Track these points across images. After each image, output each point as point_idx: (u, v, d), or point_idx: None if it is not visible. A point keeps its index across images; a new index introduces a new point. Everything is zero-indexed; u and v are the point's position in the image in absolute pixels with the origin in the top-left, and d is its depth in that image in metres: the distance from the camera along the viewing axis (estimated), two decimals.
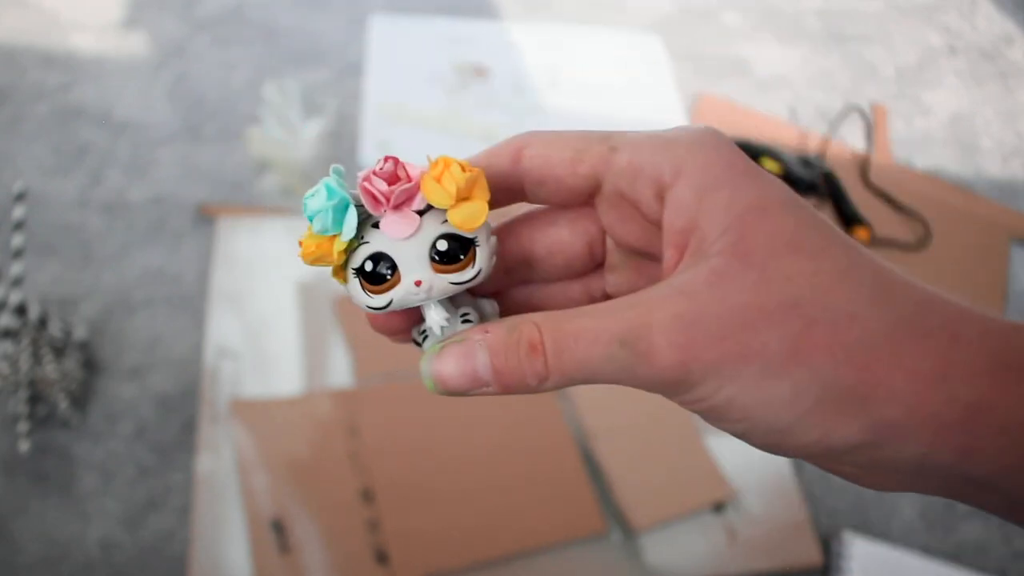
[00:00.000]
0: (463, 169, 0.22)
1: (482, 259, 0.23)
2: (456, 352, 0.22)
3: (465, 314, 0.24)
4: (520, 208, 0.26)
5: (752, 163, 0.22)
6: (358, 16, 1.00)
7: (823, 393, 0.19)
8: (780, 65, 1.05)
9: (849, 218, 0.85)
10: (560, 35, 1.03)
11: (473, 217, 0.22)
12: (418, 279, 0.22)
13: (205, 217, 0.77)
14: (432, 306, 0.24)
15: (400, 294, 0.22)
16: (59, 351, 0.61)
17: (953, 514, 0.67)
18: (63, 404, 0.61)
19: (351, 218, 0.22)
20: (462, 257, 0.23)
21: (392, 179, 0.22)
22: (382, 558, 0.58)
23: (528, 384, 0.21)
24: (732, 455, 0.66)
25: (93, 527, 0.58)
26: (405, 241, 0.22)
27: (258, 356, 0.68)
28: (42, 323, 0.60)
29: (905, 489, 0.21)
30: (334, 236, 0.22)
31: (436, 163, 0.22)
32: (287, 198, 0.79)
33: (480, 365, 0.21)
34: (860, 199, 0.88)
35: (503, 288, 0.26)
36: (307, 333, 0.70)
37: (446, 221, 0.22)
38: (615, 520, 0.62)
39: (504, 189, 0.24)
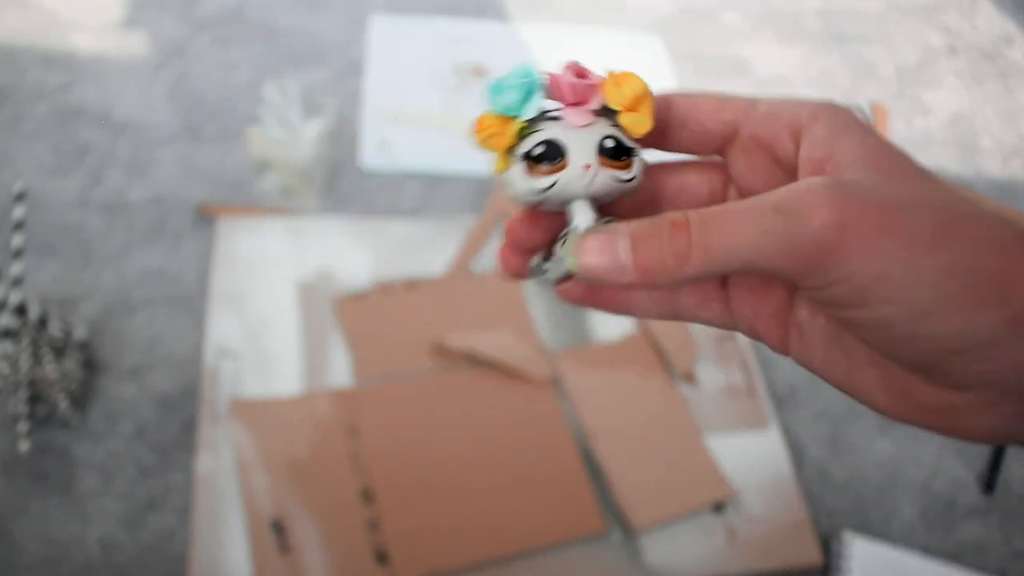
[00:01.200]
0: (641, 81, 0.25)
1: (638, 167, 0.25)
2: (599, 237, 0.23)
3: (609, 219, 0.25)
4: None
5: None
6: (358, 16, 1.00)
7: (968, 277, 0.20)
8: (780, 65, 1.05)
9: None
10: (560, 35, 1.03)
11: (640, 124, 0.25)
12: (587, 163, 0.24)
13: (205, 217, 0.77)
14: (584, 203, 0.25)
15: (566, 176, 0.24)
16: (59, 351, 0.61)
17: (953, 514, 0.67)
18: (63, 404, 0.61)
19: (536, 99, 0.24)
20: (624, 159, 0.25)
21: (577, 76, 0.25)
22: (382, 558, 0.58)
23: (667, 266, 0.22)
24: (732, 455, 0.66)
25: (93, 527, 0.58)
26: (578, 131, 0.24)
27: (258, 356, 0.68)
28: (42, 323, 0.60)
29: (1013, 429, 0.21)
30: (511, 118, 0.24)
31: (618, 72, 0.25)
32: (287, 198, 0.79)
33: (621, 249, 0.22)
34: None
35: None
36: (307, 333, 0.70)
37: (615, 126, 0.25)
38: (615, 520, 0.62)
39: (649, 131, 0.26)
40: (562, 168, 0.24)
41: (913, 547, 0.64)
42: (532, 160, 0.24)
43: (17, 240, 0.57)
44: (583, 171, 0.24)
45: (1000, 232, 0.20)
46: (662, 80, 0.99)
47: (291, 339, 0.69)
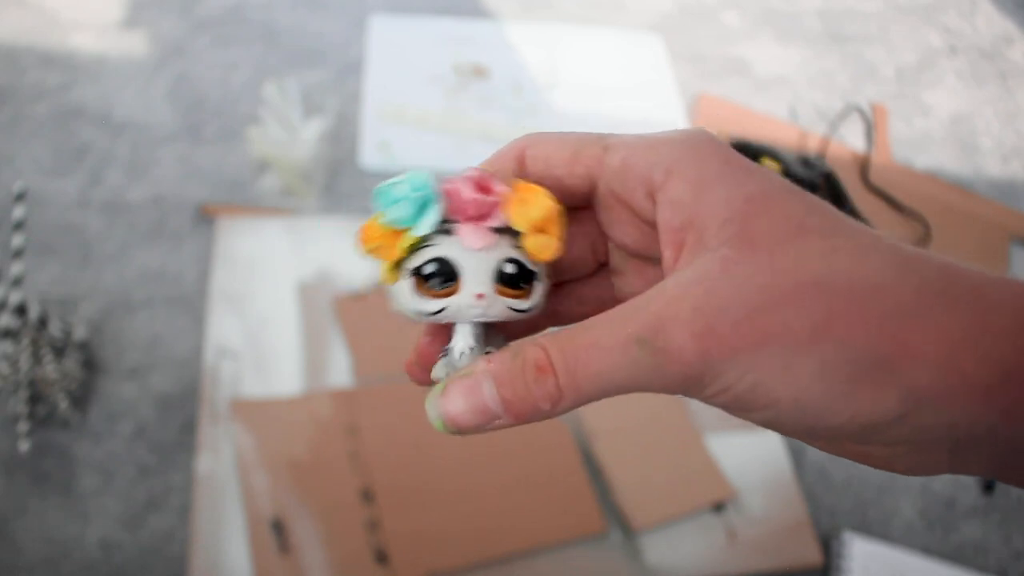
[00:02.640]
0: (551, 201, 0.22)
1: (538, 295, 0.23)
2: (461, 386, 0.21)
3: (489, 351, 0.23)
4: None
5: (748, 160, 0.21)
6: (358, 16, 1.00)
7: (852, 366, 0.18)
8: (780, 65, 1.05)
9: None
10: (560, 35, 1.03)
11: (547, 249, 0.22)
12: (481, 292, 0.22)
13: (205, 217, 0.77)
14: (467, 328, 0.23)
15: (456, 303, 0.22)
16: (59, 351, 0.61)
17: (953, 514, 0.67)
18: (63, 404, 0.61)
19: (432, 213, 0.22)
20: (523, 286, 0.22)
21: (481, 190, 0.22)
22: (382, 558, 0.58)
23: (541, 409, 0.20)
24: (732, 455, 0.66)
25: (93, 527, 0.58)
26: (475, 252, 0.22)
27: (258, 356, 0.68)
28: (42, 323, 0.60)
29: (945, 470, 0.20)
30: (402, 230, 0.22)
31: (524, 186, 0.22)
32: (287, 198, 0.79)
33: (488, 397, 0.21)
34: (860, 199, 0.88)
35: None
36: (307, 333, 0.70)
37: (518, 247, 0.22)
38: (615, 520, 0.62)
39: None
40: (453, 292, 0.22)
41: (913, 547, 0.64)
42: (421, 279, 0.22)
43: (17, 240, 0.57)
44: (476, 300, 0.22)
45: (888, 297, 0.19)
46: (662, 80, 0.99)
47: (291, 339, 0.69)
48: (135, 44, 0.92)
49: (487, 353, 0.23)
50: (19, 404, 0.59)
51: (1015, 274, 0.85)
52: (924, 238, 0.86)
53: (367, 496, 0.61)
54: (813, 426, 0.20)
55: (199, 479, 0.60)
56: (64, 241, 0.73)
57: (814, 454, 0.69)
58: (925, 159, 0.97)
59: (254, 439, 0.62)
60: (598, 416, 0.67)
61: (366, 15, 1.00)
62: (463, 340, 0.23)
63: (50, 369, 0.59)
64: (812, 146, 0.94)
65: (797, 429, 0.20)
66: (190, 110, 0.86)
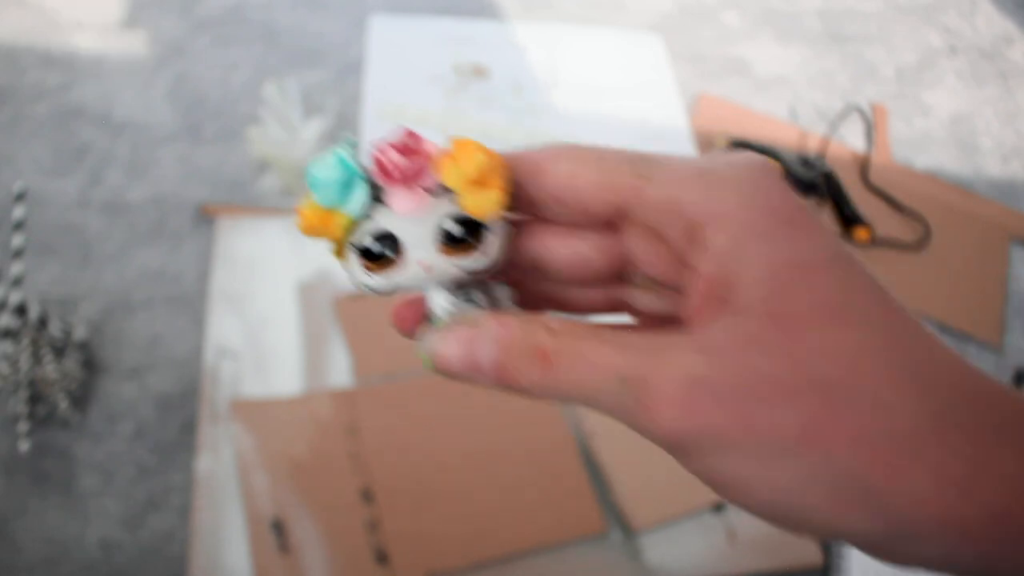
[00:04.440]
0: (484, 154, 0.21)
1: (492, 248, 0.22)
2: (464, 336, 0.20)
3: (471, 298, 0.22)
4: None
5: (800, 207, 0.20)
6: (358, 16, 1.00)
7: (838, 483, 0.17)
8: (780, 65, 1.05)
9: (849, 218, 0.85)
10: (560, 35, 1.03)
11: (486, 205, 0.21)
12: (423, 260, 0.21)
13: (205, 217, 0.77)
14: (435, 289, 0.22)
15: (402, 276, 0.21)
16: (59, 351, 0.61)
17: None
18: (63, 404, 0.61)
19: (359, 194, 0.21)
20: (471, 242, 0.21)
21: (407, 152, 0.21)
22: (382, 558, 0.58)
23: (522, 385, 0.20)
24: None
25: (93, 527, 0.58)
26: (412, 219, 0.21)
27: (258, 356, 0.68)
28: (42, 323, 0.60)
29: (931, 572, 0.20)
30: (337, 210, 0.21)
31: (456, 143, 0.21)
32: (287, 198, 0.79)
33: (485, 356, 0.20)
34: (860, 199, 0.88)
35: (517, 280, 0.24)
36: (307, 333, 0.70)
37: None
38: (615, 520, 0.62)
39: (516, 199, 0.22)
40: (399, 264, 0.21)
41: None
42: (364, 256, 0.21)
43: (17, 240, 0.57)
44: (420, 269, 0.21)
45: (895, 419, 0.17)
46: (662, 80, 0.99)
47: (291, 339, 0.69)
48: (135, 44, 0.92)
49: (468, 299, 0.22)
50: (19, 404, 0.60)
51: (1015, 274, 0.86)
52: (924, 238, 0.86)
53: (367, 496, 0.61)
54: (786, 522, 0.19)
55: (199, 479, 0.60)
56: (64, 241, 0.73)
57: None
58: (925, 159, 0.97)
59: (254, 439, 0.62)
60: (598, 416, 0.66)
61: (366, 15, 1.00)
62: (439, 301, 0.22)
63: (50, 369, 0.59)
64: (812, 146, 0.94)
65: (772, 520, 0.19)
66: (190, 110, 0.86)
